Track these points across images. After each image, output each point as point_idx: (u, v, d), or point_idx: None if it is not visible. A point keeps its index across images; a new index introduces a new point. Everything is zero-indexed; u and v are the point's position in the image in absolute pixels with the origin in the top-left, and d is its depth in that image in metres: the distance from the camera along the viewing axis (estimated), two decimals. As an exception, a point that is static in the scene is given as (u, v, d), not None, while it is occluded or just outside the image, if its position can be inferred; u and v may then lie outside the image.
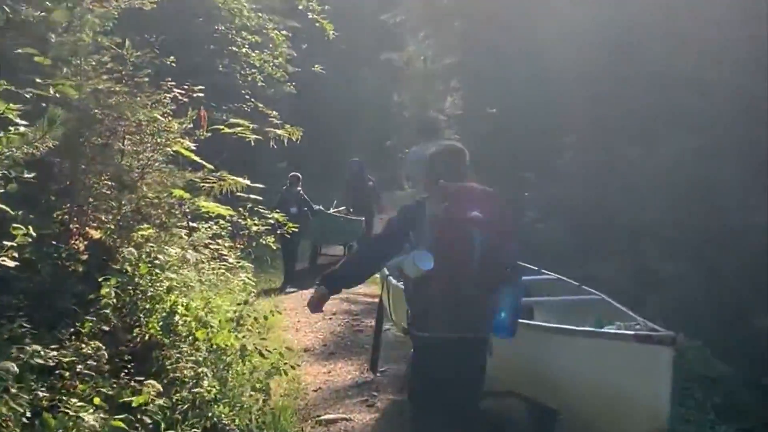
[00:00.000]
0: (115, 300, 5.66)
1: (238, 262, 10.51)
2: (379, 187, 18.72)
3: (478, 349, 4.64)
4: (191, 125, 8.02)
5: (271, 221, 10.38)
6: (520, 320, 4.61)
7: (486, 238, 4.46)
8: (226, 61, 17.82)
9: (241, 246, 10.77)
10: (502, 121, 14.37)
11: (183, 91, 8.14)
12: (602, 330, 4.79)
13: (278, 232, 10.37)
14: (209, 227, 9.75)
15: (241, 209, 10.12)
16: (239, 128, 8.94)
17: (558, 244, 10.53)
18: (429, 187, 4.77)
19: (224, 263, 10.17)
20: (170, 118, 7.57)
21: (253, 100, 15.47)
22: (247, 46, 16.84)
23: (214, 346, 6.22)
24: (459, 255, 4.44)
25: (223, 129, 8.84)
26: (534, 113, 12.90)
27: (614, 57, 10.73)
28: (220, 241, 10.16)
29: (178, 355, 5.83)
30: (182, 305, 6.27)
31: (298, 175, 15.76)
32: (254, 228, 10.52)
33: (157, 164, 7.28)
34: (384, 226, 4.95)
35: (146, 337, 5.88)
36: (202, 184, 8.01)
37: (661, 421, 4.18)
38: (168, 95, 7.83)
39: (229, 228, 10.40)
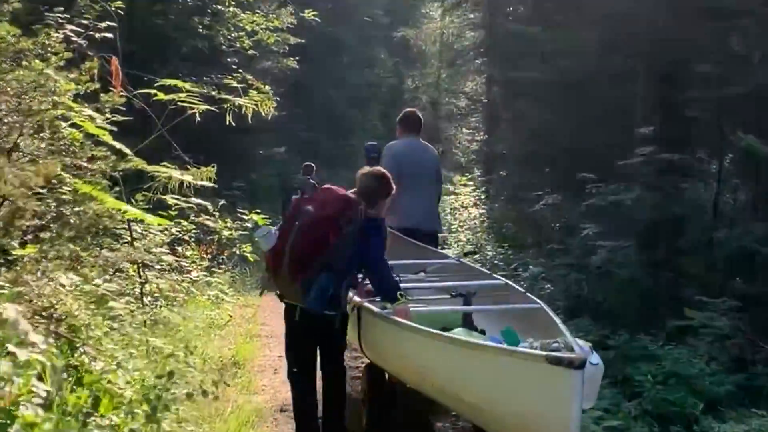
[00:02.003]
0: None
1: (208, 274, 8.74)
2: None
3: (322, 323, 5.01)
4: (91, 82, 5.61)
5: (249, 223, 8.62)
6: (442, 332, 4.71)
7: (305, 226, 4.99)
8: (208, 21, 14.22)
9: (209, 254, 9.05)
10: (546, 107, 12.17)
11: (82, 30, 5.92)
12: (513, 348, 4.54)
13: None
14: (166, 230, 7.86)
15: (211, 207, 8.32)
16: (182, 95, 6.60)
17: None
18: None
19: (187, 278, 8.52)
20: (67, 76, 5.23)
21: (241, 71, 13.27)
22: (234, 3, 14.00)
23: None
24: (282, 234, 5.09)
25: (157, 95, 6.52)
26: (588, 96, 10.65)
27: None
28: (181, 248, 8.37)
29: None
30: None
31: (312, 164, 14.06)
32: (226, 232, 8.87)
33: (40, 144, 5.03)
34: None
35: None
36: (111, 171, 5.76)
37: None
38: (54, 34, 5.59)
39: (195, 232, 8.73)
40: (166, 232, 7.85)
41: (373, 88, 31.11)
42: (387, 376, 5.92)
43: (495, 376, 4.33)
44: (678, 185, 8.16)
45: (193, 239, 8.85)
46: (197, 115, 6.77)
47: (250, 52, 14.32)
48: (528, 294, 5.88)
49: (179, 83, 6.64)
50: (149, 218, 5.56)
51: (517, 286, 6.20)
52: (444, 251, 7.88)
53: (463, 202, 19.85)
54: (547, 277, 9.89)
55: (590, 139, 9.67)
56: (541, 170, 12.00)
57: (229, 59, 14.12)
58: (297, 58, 18.51)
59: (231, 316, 9.76)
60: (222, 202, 9.42)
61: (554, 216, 10.03)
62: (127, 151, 5.78)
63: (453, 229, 17.02)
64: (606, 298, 8.42)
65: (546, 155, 11.16)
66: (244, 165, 15.69)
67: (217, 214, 8.75)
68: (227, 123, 7.54)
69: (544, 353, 4.15)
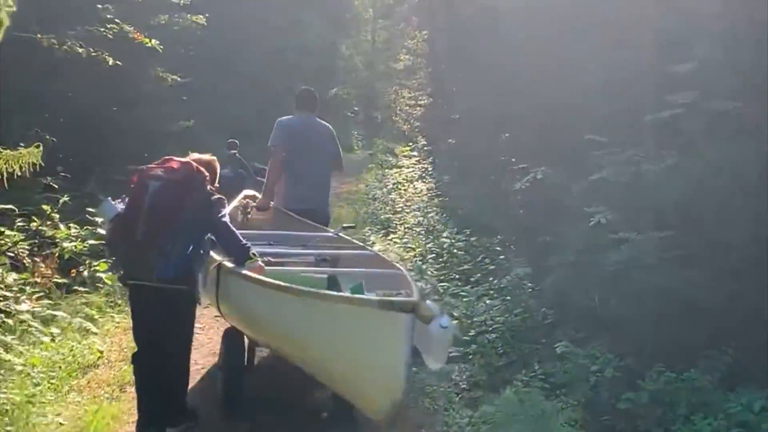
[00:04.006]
0: None
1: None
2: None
3: (167, 298, 5.06)
4: None
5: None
6: (285, 283, 4.83)
7: (159, 191, 5.06)
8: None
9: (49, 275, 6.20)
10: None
11: None
12: (349, 295, 4.76)
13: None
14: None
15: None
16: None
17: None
18: None
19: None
20: None
21: (118, 21, 10.22)
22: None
23: None
24: (133, 202, 5.14)
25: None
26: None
27: None
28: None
29: None
30: None
31: (236, 141, 14.73)
32: (68, 243, 6.06)
33: None
34: None
35: None
36: None
37: (396, 391, 4.15)
38: None
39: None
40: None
41: (301, 54, 28.55)
42: (246, 341, 5.96)
43: (333, 325, 4.40)
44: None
45: (26, 254, 6.01)
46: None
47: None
48: (394, 263, 6.08)
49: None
50: None
51: (384, 256, 6.45)
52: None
53: (407, 176, 17.49)
54: (536, 282, 7.29)
55: (590, 89, 6.88)
56: (516, 136, 9.21)
57: (100, 5, 10.84)
58: (206, 15, 15.57)
59: (101, 353, 7.08)
60: (64, 199, 6.67)
61: (538, 195, 7.31)
62: None
63: (397, 209, 14.43)
64: (629, 315, 5.78)
65: (519, 115, 8.30)
66: (140, 144, 12.76)
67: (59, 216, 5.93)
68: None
69: (376, 298, 4.41)
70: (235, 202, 7.59)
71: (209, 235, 5.30)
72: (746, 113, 5.64)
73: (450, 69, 14.56)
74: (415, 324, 4.03)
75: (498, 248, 9.32)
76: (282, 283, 4.88)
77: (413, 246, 11.10)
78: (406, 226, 12.94)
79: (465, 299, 8.14)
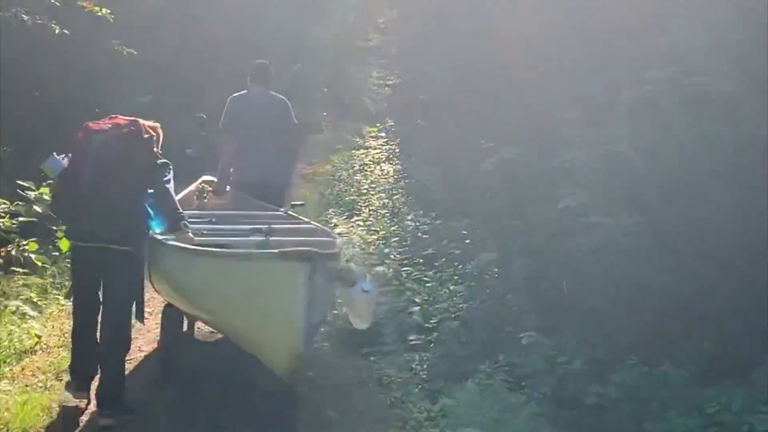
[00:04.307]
0: None
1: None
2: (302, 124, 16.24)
3: (116, 260, 5.00)
4: None
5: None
6: (183, 245, 4.99)
7: (104, 144, 5.02)
8: None
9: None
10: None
11: None
12: (248, 251, 4.84)
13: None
14: None
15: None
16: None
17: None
18: None
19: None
20: None
21: None
22: None
23: None
24: (78, 157, 5.09)
25: None
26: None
27: None
28: None
29: None
30: None
31: (203, 116, 13.85)
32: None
33: None
34: None
35: None
36: None
37: (294, 343, 4.20)
38: None
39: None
40: None
41: (269, 31, 27.87)
42: (185, 319, 6.00)
43: (238, 281, 4.50)
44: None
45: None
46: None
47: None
48: (330, 232, 6.22)
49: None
50: None
51: (323, 228, 6.52)
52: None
53: (374, 157, 17.02)
54: (502, 268, 6.92)
55: (564, 65, 6.48)
56: (486, 116, 8.80)
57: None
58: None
59: (39, 338, 6.64)
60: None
61: (506, 176, 6.92)
62: None
63: (362, 191, 13.98)
64: (600, 305, 5.43)
65: (489, 94, 7.88)
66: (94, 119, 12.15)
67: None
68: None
69: (271, 251, 4.59)
70: (192, 187, 7.55)
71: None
72: (725, 92, 5.28)
73: (419, 47, 14.12)
74: (314, 274, 4.10)
75: (464, 232, 8.93)
76: (196, 247, 4.95)
77: (377, 229, 10.69)
78: (371, 208, 12.50)
79: (428, 284, 7.77)
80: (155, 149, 5.25)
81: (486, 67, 8.10)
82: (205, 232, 5.81)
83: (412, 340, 6.76)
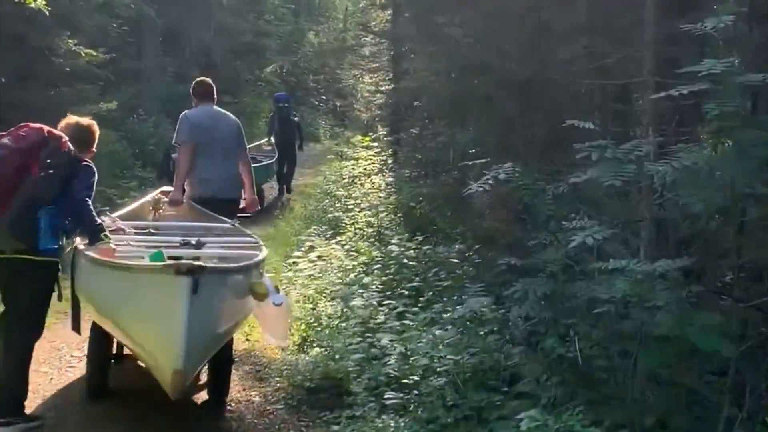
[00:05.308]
0: None
1: None
2: (303, 124, 18.05)
3: (12, 269, 4.98)
4: None
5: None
6: (87, 254, 5.03)
7: (3, 159, 4.92)
8: None
9: None
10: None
11: None
12: (138, 263, 4.85)
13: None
14: None
15: None
16: None
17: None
18: None
19: None
20: None
21: None
22: None
23: None
24: None
25: None
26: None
27: None
28: None
29: None
30: None
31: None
32: None
33: None
34: None
35: None
36: None
37: (176, 360, 4.10)
38: None
39: None
40: None
41: (262, 37, 27.02)
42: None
43: (132, 294, 4.45)
44: None
45: None
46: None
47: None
48: (259, 246, 6.01)
49: None
50: None
51: (260, 242, 6.32)
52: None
53: (365, 169, 15.89)
54: (499, 311, 5.60)
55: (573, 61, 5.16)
56: (482, 123, 7.45)
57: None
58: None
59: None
60: None
61: (502, 199, 5.61)
62: None
63: (349, 207, 12.76)
64: (623, 372, 4.10)
65: (486, 97, 6.55)
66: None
67: None
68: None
69: (157, 263, 4.59)
70: (147, 197, 7.69)
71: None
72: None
73: (412, 49, 12.85)
74: (199, 289, 4.02)
75: (455, 260, 7.66)
76: (102, 258, 4.90)
77: (358, 250, 9.45)
78: (356, 226, 11.29)
79: (411, 327, 6.50)
80: (73, 151, 5.16)
81: (482, 65, 6.80)
82: (132, 243, 5.79)
83: (387, 399, 5.57)
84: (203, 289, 4.06)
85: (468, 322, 5.80)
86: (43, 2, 8.80)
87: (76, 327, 5.72)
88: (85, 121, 5.61)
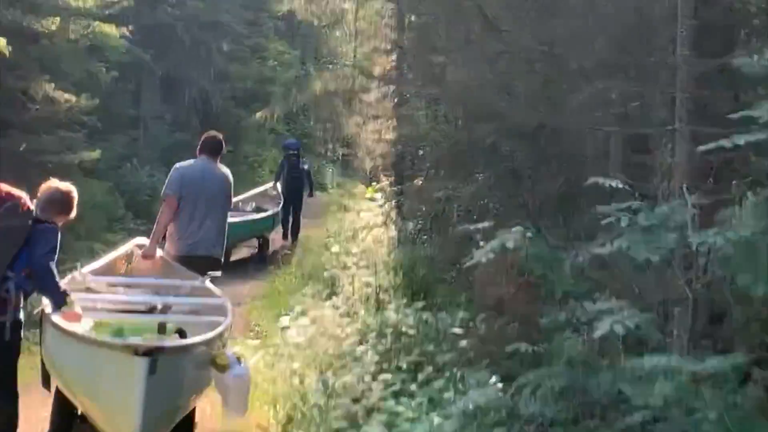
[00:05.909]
0: None
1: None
2: (312, 171, 18.01)
3: None
4: None
5: None
6: (53, 322, 4.97)
7: None
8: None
9: None
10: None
11: None
12: (99, 338, 4.85)
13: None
14: None
15: None
16: None
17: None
18: None
19: None
20: None
21: None
22: None
23: None
24: None
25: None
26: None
27: None
28: None
29: None
30: None
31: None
32: None
33: None
34: None
35: None
36: None
37: None
38: None
39: None
40: None
41: (266, 83, 26.49)
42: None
43: (91, 365, 4.52)
44: None
45: None
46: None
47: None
48: (228, 312, 5.99)
49: None
50: None
51: (228, 307, 6.26)
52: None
53: (368, 222, 15.13)
54: (509, 397, 4.72)
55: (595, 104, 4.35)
56: (488, 176, 6.62)
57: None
58: (131, 27, 13.29)
59: None
60: None
61: (510, 270, 4.76)
62: None
63: (348, 264, 11.92)
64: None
65: (494, 147, 5.73)
66: (27, 176, 10.33)
67: None
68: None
69: (117, 341, 4.66)
70: (121, 249, 7.57)
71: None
72: None
73: (414, 93, 12.21)
74: (157, 368, 4.08)
75: (458, 330, 6.80)
76: (65, 328, 4.89)
77: (353, 318, 8.61)
78: (354, 286, 10.44)
79: (407, 413, 5.62)
80: (37, 214, 5.17)
81: (489, 109, 6.01)
82: (98, 306, 5.92)
83: None
84: (162, 367, 4.14)
85: (472, 416, 4.90)
86: (4, 42, 8.20)
87: (47, 385, 5.69)
88: (64, 186, 5.56)
